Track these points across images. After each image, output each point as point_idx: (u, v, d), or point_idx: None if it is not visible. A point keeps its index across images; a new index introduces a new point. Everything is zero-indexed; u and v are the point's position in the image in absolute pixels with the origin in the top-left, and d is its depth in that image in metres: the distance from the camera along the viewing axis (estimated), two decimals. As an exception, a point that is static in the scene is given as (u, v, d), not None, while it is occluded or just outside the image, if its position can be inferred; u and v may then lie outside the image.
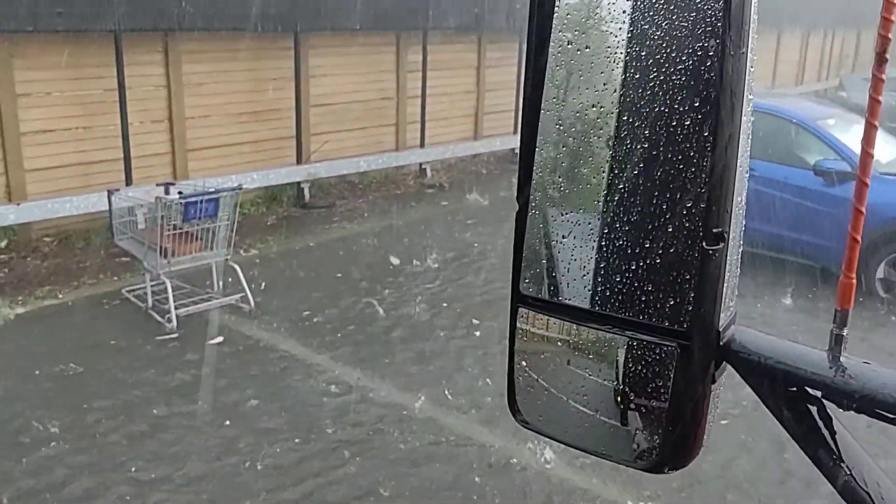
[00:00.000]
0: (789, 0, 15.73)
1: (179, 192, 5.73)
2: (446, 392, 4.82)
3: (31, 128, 7.06)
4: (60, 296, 6.20)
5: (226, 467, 4.00)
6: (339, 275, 6.85)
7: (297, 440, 4.26)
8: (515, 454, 4.18)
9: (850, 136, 7.28)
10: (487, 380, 4.96)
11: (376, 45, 10.05)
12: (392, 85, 10.32)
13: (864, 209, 0.72)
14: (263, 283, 6.41)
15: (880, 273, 6.71)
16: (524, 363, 0.85)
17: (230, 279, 6.02)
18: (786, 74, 18.88)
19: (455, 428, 4.47)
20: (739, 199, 0.74)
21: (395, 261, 7.23)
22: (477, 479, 3.97)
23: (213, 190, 5.83)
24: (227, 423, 4.40)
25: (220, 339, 5.51)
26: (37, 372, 4.93)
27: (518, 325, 0.83)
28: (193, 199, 5.61)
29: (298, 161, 9.11)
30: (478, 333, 5.71)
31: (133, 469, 3.95)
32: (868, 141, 0.71)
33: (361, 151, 9.84)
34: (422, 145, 10.53)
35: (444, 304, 6.26)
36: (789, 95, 15.52)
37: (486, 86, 11.64)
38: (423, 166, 10.59)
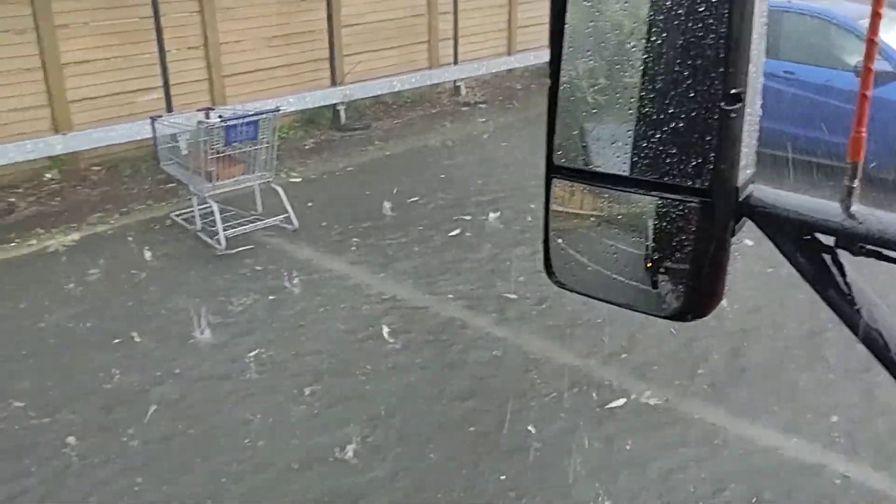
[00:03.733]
0: None
1: (220, 117, 5.83)
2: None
3: (72, 58, 7.17)
4: (112, 221, 6.43)
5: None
6: (378, 195, 6.94)
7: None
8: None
9: (894, 34, 7.04)
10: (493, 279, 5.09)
11: (406, -39, 9.88)
12: (423, 1, 10.17)
13: (873, 67, 0.77)
14: (306, 204, 6.55)
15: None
16: (558, 231, 0.92)
17: (273, 201, 6.15)
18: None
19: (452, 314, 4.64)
20: (758, 63, 0.79)
21: (438, 177, 7.30)
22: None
23: (252, 113, 5.91)
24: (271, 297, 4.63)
25: (253, 250, 5.77)
26: (104, 281, 5.35)
27: (553, 195, 0.90)
28: (234, 123, 5.71)
29: (333, 83, 9.12)
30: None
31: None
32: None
33: (395, 71, 9.79)
34: (455, 62, 10.42)
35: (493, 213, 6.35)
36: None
37: (519, -2, 11.40)
38: (457, 84, 10.52)
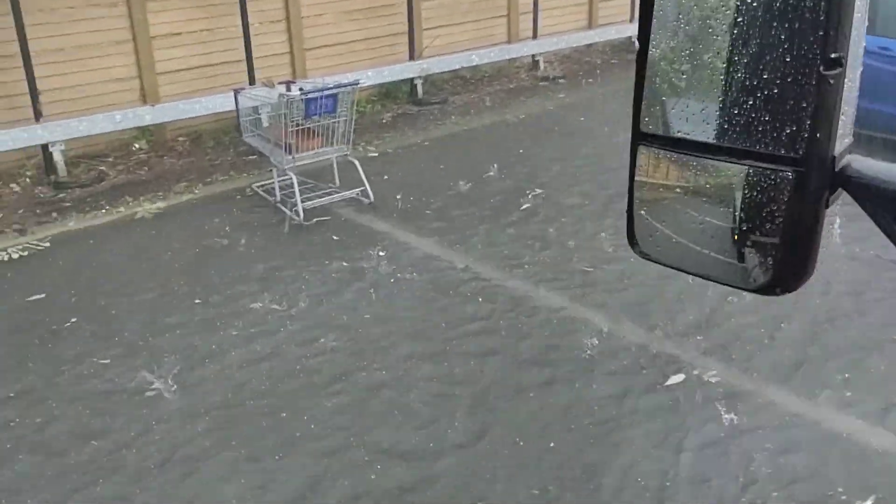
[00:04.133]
0: None
1: (300, 89, 5.91)
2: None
3: (160, 31, 7.39)
4: (196, 191, 6.64)
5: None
6: (453, 170, 6.95)
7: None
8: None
9: None
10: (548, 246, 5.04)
11: (487, -66, 9.79)
12: (504, -25, 10.08)
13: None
14: (382, 178, 6.62)
15: None
16: (643, 201, 0.90)
17: (350, 174, 6.23)
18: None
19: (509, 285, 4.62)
20: (860, 27, 0.75)
21: (515, 152, 7.26)
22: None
23: (331, 86, 5.99)
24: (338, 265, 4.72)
25: (330, 222, 5.85)
26: (188, 247, 5.57)
27: (638, 163, 0.89)
28: (314, 96, 5.79)
29: (411, 57, 9.14)
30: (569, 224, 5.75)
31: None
32: None
33: (473, 45, 9.74)
34: (534, 36, 10.30)
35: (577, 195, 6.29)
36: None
37: (602, -29, 11.18)
38: (536, 58, 10.40)
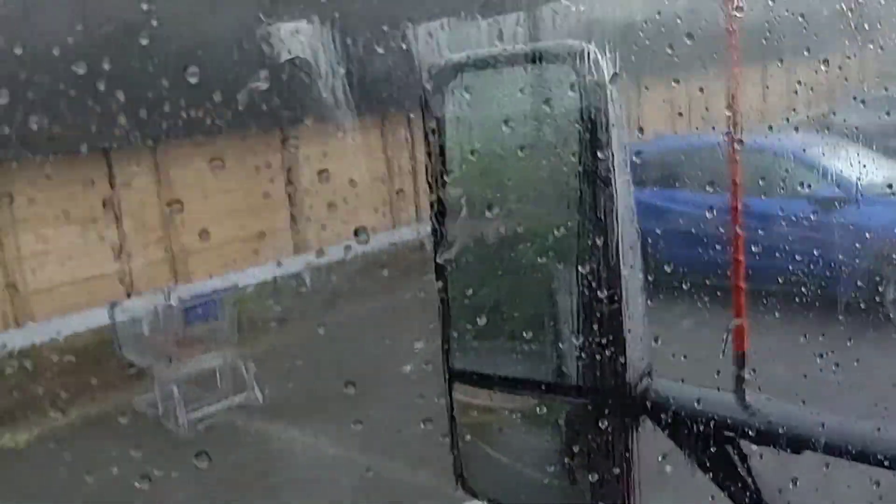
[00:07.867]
0: (771, 35, 16.09)
1: (178, 298, 5.84)
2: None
3: (30, 251, 7.21)
4: (72, 414, 6.25)
5: None
6: (346, 357, 6.86)
7: None
8: None
9: (841, 161, 7.35)
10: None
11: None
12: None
13: (742, 258, 0.79)
14: (275, 372, 6.46)
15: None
16: (468, 434, 0.90)
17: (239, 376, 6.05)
18: (777, 106, 19.08)
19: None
20: (632, 263, 0.80)
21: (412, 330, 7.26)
22: None
23: (210, 292, 5.94)
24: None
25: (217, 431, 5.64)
26: (61, 478, 5.01)
27: (455, 398, 0.89)
28: (192, 304, 5.71)
29: (296, 252, 9.25)
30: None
31: None
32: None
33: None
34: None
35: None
36: (781, 128, 15.53)
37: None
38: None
